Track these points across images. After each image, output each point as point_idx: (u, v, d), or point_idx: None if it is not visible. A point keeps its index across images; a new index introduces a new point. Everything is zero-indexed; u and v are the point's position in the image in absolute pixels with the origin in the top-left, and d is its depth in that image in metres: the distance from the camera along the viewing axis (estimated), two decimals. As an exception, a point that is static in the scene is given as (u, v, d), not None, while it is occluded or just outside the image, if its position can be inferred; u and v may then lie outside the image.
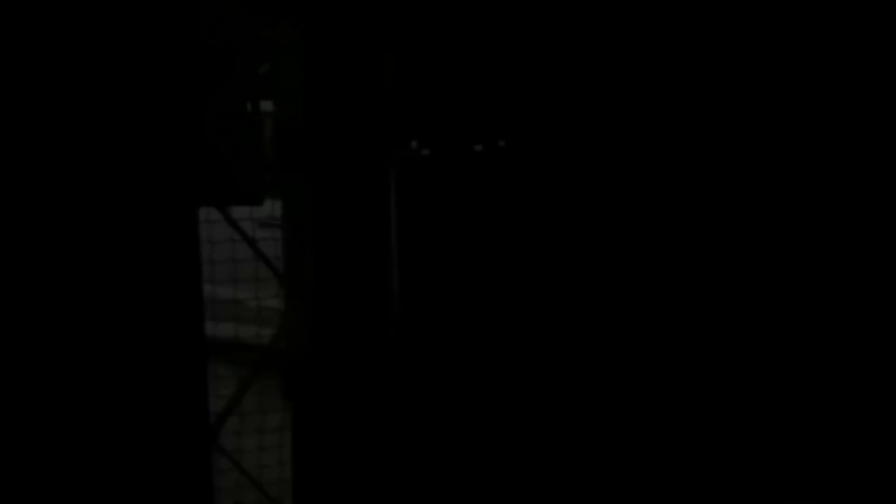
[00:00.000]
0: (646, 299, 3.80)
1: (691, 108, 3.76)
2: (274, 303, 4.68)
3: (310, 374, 3.61)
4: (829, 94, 3.24)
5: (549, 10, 3.72)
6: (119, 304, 3.33)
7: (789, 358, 3.73)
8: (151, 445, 3.39)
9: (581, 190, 3.79)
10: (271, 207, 4.30)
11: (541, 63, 3.76)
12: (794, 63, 3.68)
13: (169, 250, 3.41)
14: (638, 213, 3.79)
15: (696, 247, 3.78)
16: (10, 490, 3.18)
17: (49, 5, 3.16)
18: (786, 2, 3.67)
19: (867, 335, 3.11)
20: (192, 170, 3.45)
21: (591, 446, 3.77)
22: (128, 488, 3.37)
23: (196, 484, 3.47)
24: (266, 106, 3.80)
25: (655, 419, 3.78)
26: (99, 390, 3.31)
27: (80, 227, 3.27)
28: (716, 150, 3.76)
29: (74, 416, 3.25)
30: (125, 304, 3.34)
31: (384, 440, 3.62)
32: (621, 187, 3.79)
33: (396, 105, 3.62)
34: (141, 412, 3.38)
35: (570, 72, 3.76)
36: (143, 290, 3.36)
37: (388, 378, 3.62)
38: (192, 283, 3.45)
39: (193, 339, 3.47)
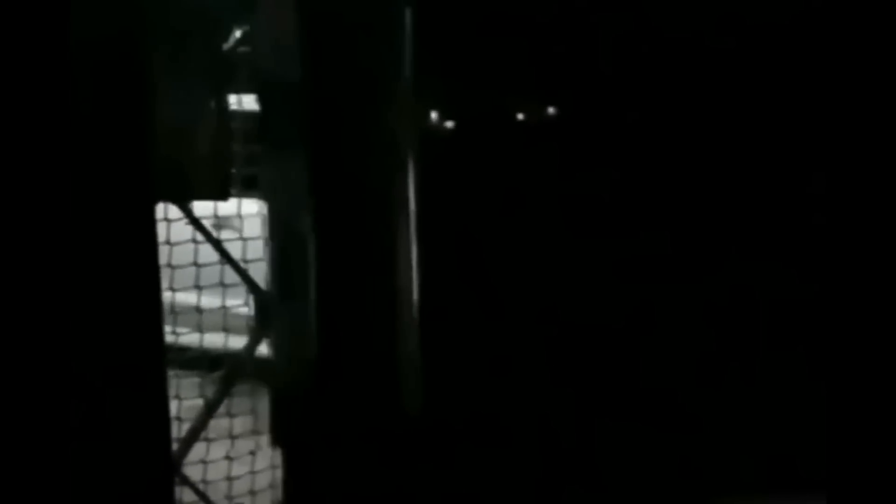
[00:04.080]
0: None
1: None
2: (242, 312, 4.33)
3: (307, 413, 3.32)
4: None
5: None
6: (62, 312, 3.02)
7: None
8: (102, 476, 3.14)
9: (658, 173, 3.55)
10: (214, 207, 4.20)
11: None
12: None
13: (122, 252, 3.17)
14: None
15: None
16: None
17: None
18: None
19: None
20: (148, 161, 3.21)
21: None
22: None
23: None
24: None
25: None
26: (37, 411, 2.99)
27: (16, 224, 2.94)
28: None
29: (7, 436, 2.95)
30: (69, 312, 3.03)
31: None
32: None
33: (413, 66, 3.26)
34: (89, 438, 3.11)
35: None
36: (91, 296, 3.08)
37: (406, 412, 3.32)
38: (149, 288, 3.23)
39: (151, 354, 3.26)
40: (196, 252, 4.33)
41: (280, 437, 3.47)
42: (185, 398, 4.28)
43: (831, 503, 2.87)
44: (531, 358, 3.70)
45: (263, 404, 4.85)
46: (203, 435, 4.17)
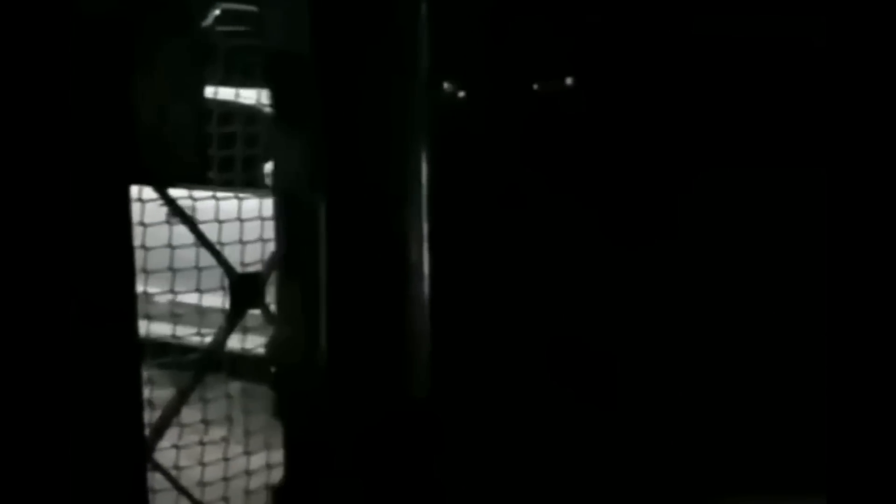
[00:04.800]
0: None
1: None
2: (217, 299, 4.27)
3: (312, 388, 3.21)
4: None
5: None
6: (30, 297, 2.95)
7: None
8: (74, 461, 3.07)
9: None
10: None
11: None
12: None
13: (94, 233, 3.08)
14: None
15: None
16: None
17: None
18: None
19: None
20: (124, 141, 3.11)
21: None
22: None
23: (128, 506, 3.22)
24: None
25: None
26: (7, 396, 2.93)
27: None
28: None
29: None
30: (37, 297, 2.96)
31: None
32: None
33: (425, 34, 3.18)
34: (60, 423, 3.04)
35: None
36: (59, 279, 3.01)
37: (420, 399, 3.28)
38: (123, 272, 3.15)
39: (124, 339, 3.18)
40: (170, 234, 4.31)
41: (283, 418, 3.40)
42: (158, 384, 4.27)
43: (831, 503, 2.85)
44: (539, 346, 3.67)
45: (235, 389, 4.85)
46: (176, 421, 4.12)
